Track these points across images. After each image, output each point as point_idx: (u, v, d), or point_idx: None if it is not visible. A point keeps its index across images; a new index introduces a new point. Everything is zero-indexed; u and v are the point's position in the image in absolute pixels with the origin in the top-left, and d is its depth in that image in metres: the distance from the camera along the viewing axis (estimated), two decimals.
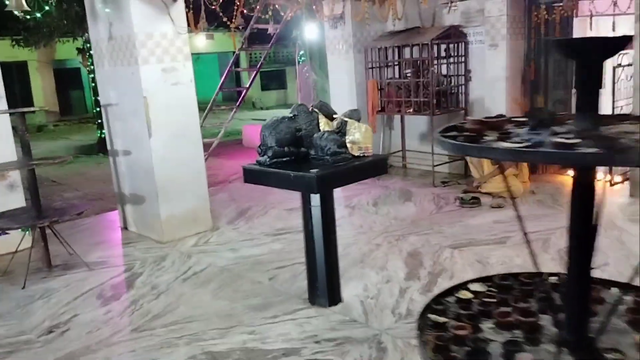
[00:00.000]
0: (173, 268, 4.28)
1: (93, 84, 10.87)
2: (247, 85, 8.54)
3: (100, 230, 5.52)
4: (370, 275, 3.86)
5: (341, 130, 3.30)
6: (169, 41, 4.74)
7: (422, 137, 6.87)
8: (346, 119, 3.32)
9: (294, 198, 6.08)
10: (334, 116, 3.41)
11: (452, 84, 6.36)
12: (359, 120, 3.36)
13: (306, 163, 3.24)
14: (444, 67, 6.35)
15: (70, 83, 20.88)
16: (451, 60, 6.32)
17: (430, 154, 6.40)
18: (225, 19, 5.92)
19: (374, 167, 3.30)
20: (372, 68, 6.60)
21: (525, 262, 3.92)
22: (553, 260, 3.92)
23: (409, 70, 6.39)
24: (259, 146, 3.38)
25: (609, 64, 5.72)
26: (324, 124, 3.39)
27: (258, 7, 6.64)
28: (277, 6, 6.68)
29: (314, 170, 3.01)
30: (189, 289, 3.86)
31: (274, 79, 25.83)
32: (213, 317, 3.40)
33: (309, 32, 10.92)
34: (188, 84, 4.91)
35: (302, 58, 16.87)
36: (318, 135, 3.23)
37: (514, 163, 5.76)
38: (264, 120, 3.47)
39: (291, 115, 3.37)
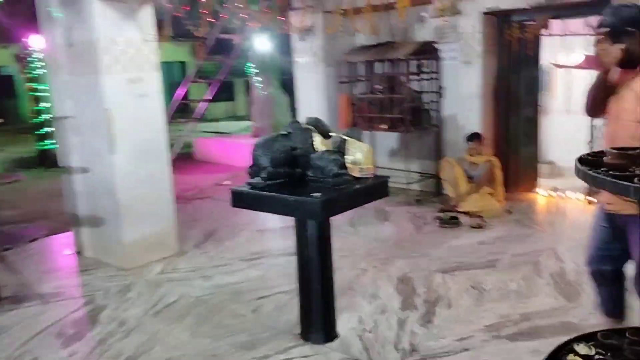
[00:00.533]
0: (141, 300, 3.86)
1: (33, 93, 10.18)
2: (209, 98, 8.15)
3: (51, 255, 4.98)
4: (362, 305, 3.59)
5: (340, 150, 3.04)
6: (136, 49, 4.34)
7: (392, 154, 6.69)
8: (346, 138, 3.06)
9: (264, 219, 5.78)
10: (330, 134, 3.15)
11: (426, 100, 6.23)
12: (359, 139, 3.11)
13: (303, 186, 2.95)
14: (415, 83, 6.21)
15: (3, 91, 19.58)
16: (424, 76, 6.19)
17: (402, 171, 6.24)
18: (190, 27, 5.58)
19: (376, 190, 3.05)
20: (343, 83, 6.38)
21: (520, 287, 3.77)
22: (549, 286, 3.78)
23: (380, 86, 6.21)
24: (250, 167, 3.06)
25: None
26: (319, 143, 3.11)
27: (224, 15, 6.31)
28: (244, 16, 6.37)
29: (317, 195, 2.72)
30: (163, 325, 3.45)
31: (222, 91, 25.24)
32: (195, 359, 3.03)
33: (261, 43, 10.62)
34: (156, 96, 4.52)
35: (251, 70, 16.52)
36: (317, 155, 2.95)
37: (489, 181, 5.69)
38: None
39: (285, 132, 3.08)
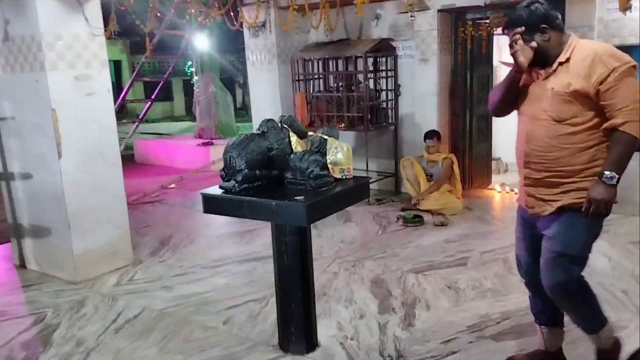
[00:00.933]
0: (98, 315, 3.55)
1: None
2: (152, 97, 7.77)
3: None
4: (339, 310, 3.45)
5: (320, 150, 2.88)
6: (83, 44, 4.00)
7: None
8: (326, 137, 2.91)
9: (220, 222, 5.53)
10: (310, 134, 2.98)
11: (382, 98, 6.16)
12: (337, 139, 2.96)
13: (282, 189, 2.77)
14: (371, 81, 6.13)
15: None
16: (381, 74, 6.13)
17: (361, 170, 6.14)
18: (138, 22, 5.25)
19: (358, 191, 2.91)
20: (298, 80, 6.22)
21: (494, 284, 3.74)
22: (522, 282, 3.76)
23: (338, 84, 6.09)
24: (223, 169, 2.85)
25: None
26: (295, 143, 2.94)
27: (172, 10, 6.00)
28: (193, 11, 6.09)
29: (300, 198, 2.55)
30: (126, 342, 3.17)
31: (159, 91, 24.43)
32: None
33: (203, 41, 10.29)
34: (105, 94, 4.19)
35: (191, 69, 16.08)
36: (297, 157, 2.77)
37: (448, 178, 5.69)
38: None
39: (259, 132, 2.89)
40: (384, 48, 5.98)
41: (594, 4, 4.96)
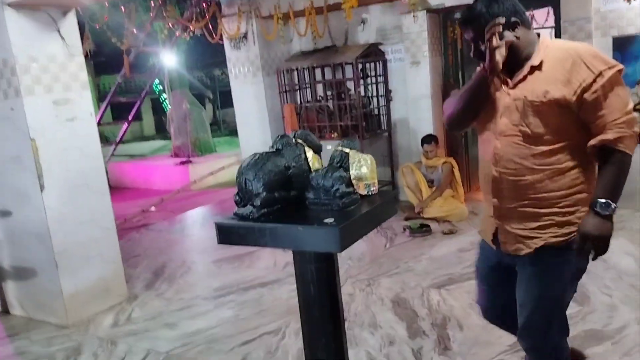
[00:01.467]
0: None
1: None
2: (130, 118, 7.41)
3: None
4: (365, 337, 3.17)
5: (343, 165, 2.61)
6: (60, 65, 3.67)
7: None
8: (347, 150, 2.64)
9: (214, 248, 5.17)
10: (331, 148, 2.71)
11: (374, 105, 5.94)
12: (358, 150, 2.69)
13: (304, 211, 2.48)
14: (362, 87, 5.91)
15: None
16: (371, 80, 5.91)
17: None
18: (114, 40, 4.92)
19: (387, 208, 2.63)
20: (286, 91, 5.95)
21: None
22: None
23: (327, 93, 5.85)
24: (237, 194, 2.55)
25: None
26: (312, 159, 2.66)
27: (149, 26, 5.68)
28: (170, 25, 5.77)
29: (330, 221, 2.27)
30: None
31: (126, 110, 23.82)
32: None
33: (169, 58, 9.89)
34: (88, 118, 3.85)
35: (159, 87, 15.68)
36: (319, 174, 2.48)
37: (450, 183, 5.48)
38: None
39: (274, 149, 2.61)
40: (373, 53, 5.77)
41: None
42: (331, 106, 5.79)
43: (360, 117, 5.50)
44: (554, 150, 1.83)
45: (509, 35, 1.84)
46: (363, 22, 5.95)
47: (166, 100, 11.73)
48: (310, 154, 2.70)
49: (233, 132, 17.17)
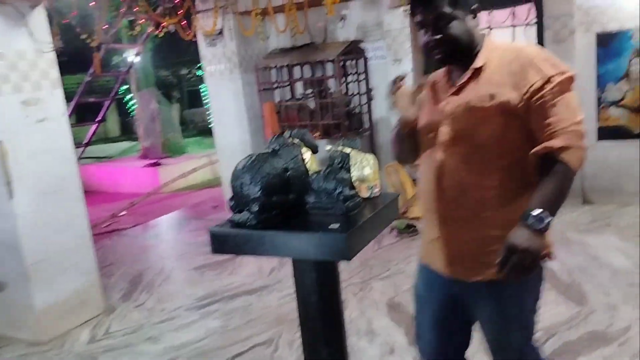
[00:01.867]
0: None
1: None
2: (99, 119, 7.10)
3: None
4: (363, 347, 3.03)
5: (344, 166, 2.46)
6: (29, 63, 3.41)
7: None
8: (347, 150, 2.49)
9: (192, 253, 4.96)
10: (328, 148, 2.56)
11: (354, 103, 5.81)
12: (359, 150, 2.55)
13: (305, 216, 2.32)
14: (343, 86, 5.77)
15: None
16: (352, 78, 5.78)
17: None
18: (84, 36, 4.66)
19: (390, 211, 2.50)
20: (265, 90, 5.76)
21: None
22: (550, 290, 3.49)
23: (309, 91, 5.70)
24: (231, 199, 2.37)
25: None
26: (310, 160, 2.51)
27: (119, 21, 5.41)
28: (143, 21, 5.51)
29: (335, 226, 2.12)
30: None
31: (90, 112, 23.11)
32: None
33: (137, 56, 9.57)
34: (59, 119, 3.61)
35: (123, 86, 15.25)
36: (320, 176, 2.33)
37: None
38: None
39: (270, 150, 2.44)
40: (353, 50, 5.64)
41: None
42: (311, 105, 5.63)
43: (344, 115, 5.37)
44: (505, 163, 1.65)
45: (460, 26, 1.62)
46: (342, 18, 5.81)
47: (131, 100, 11.35)
48: (308, 154, 2.55)
49: (202, 133, 16.82)
